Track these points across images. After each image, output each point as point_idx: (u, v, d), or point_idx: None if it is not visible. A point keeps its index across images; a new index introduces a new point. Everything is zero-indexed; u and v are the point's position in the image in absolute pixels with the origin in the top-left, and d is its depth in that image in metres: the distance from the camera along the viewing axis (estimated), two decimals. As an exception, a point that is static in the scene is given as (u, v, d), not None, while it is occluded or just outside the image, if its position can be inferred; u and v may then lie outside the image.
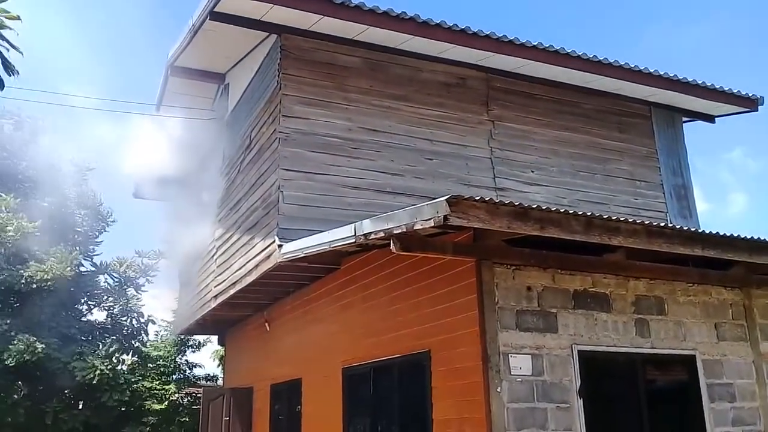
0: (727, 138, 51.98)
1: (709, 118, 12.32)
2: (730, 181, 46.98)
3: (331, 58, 9.58)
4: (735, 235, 6.48)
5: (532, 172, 10.46)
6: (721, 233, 6.41)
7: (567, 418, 6.25)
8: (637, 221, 6.03)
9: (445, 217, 5.16)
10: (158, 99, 12.62)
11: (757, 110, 11.88)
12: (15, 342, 13.66)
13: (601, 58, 10.39)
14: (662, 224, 6.24)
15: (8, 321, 14.25)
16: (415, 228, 5.51)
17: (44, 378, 14.46)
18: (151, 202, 16.15)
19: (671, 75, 10.98)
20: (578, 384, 6.40)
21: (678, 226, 6.49)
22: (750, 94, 11.68)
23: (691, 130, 12.46)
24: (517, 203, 5.52)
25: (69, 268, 14.90)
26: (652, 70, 10.79)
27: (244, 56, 11.01)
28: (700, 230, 6.57)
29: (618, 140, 11.32)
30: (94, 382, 14.17)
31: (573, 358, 6.45)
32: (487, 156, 10.23)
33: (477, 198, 5.32)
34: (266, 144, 9.55)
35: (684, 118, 12.17)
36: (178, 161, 12.59)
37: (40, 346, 13.62)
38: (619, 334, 6.81)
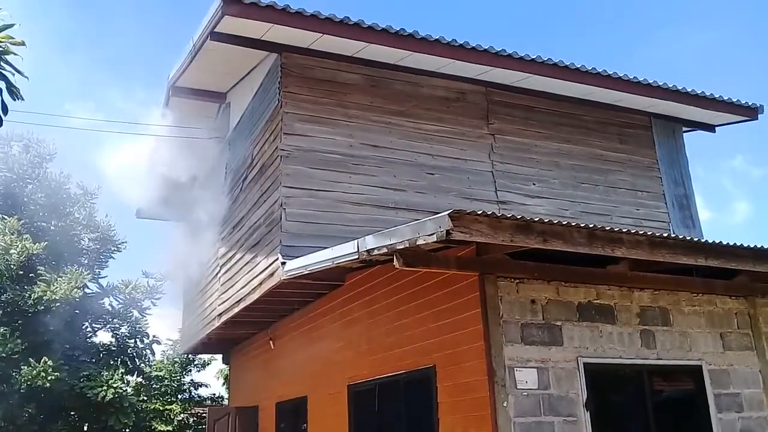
0: (728, 145, 52.05)
1: (710, 128, 12.33)
2: (733, 189, 46.97)
3: (331, 76, 9.64)
4: (738, 244, 6.46)
5: (534, 184, 10.47)
6: (725, 242, 6.40)
7: (574, 431, 6.22)
8: (640, 232, 6.03)
9: (448, 232, 5.16)
10: (160, 118, 12.68)
11: (757, 119, 11.89)
12: (26, 366, 13.62)
13: (600, 70, 10.43)
14: (665, 234, 6.23)
15: (17, 342, 14.23)
16: (417, 243, 5.51)
17: (50, 400, 14.42)
18: (154, 222, 16.19)
19: (671, 86, 11.01)
20: (585, 397, 6.37)
21: (681, 236, 6.49)
22: (750, 103, 11.69)
23: (692, 138, 12.50)
24: (519, 216, 5.53)
25: (77, 290, 14.91)
26: (651, 81, 10.82)
27: (245, 75, 11.07)
28: (703, 240, 6.56)
29: (619, 151, 11.33)
30: (107, 400, 14.10)
31: (579, 370, 6.43)
32: (489, 170, 10.24)
33: (479, 212, 5.33)
34: (268, 162, 9.58)
35: (684, 128, 12.19)
36: (181, 181, 12.64)
37: (51, 372, 13.55)
38: (625, 345, 6.79)
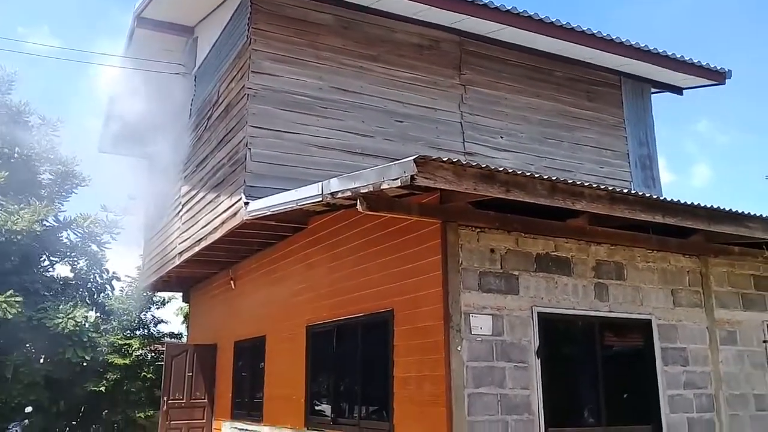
0: (694, 109, 52.75)
1: (677, 90, 12.45)
2: (696, 153, 47.83)
3: (303, 15, 9.44)
4: (695, 203, 6.61)
5: (502, 137, 10.51)
6: (682, 201, 6.54)
7: (524, 377, 6.40)
8: (601, 187, 6.12)
9: (412, 177, 5.17)
10: (124, 50, 12.33)
11: (724, 83, 12.03)
12: None
13: (574, 26, 10.39)
14: (625, 191, 6.33)
15: None
16: (382, 188, 5.52)
17: (5, 331, 14.27)
18: (115, 157, 15.92)
19: (642, 45, 11.04)
20: (536, 344, 6.54)
21: (640, 193, 6.60)
22: (719, 68, 11.80)
23: (659, 100, 12.61)
24: (483, 165, 5.55)
25: (37, 224, 14.62)
26: (623, 40, 10.84)
27: (214, 9, 10.78)
28: (661, 198, 6.69)
29: (587, 109, 11.41)
30: (66, 332, 13.97)
31: (533, 319, 6.58)
32: (458, 120, 10.23)
33: (444, 159, 5.34)
34: (234, 100, 9.42)
35: (653, 89, 12.29)
36: (144, 115, 12.37)
37: (14, 304, 13.32)
38: (579, 297, 6.95)
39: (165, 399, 12.58)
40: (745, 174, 46.24)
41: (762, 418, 7.84)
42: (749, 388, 7.84)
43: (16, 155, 16.05)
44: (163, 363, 13.27)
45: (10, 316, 13.33)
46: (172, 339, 18.70)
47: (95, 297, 16.95)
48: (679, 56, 11.45)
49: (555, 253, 6.92)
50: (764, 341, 8.11)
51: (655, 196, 6.67)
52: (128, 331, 17.87)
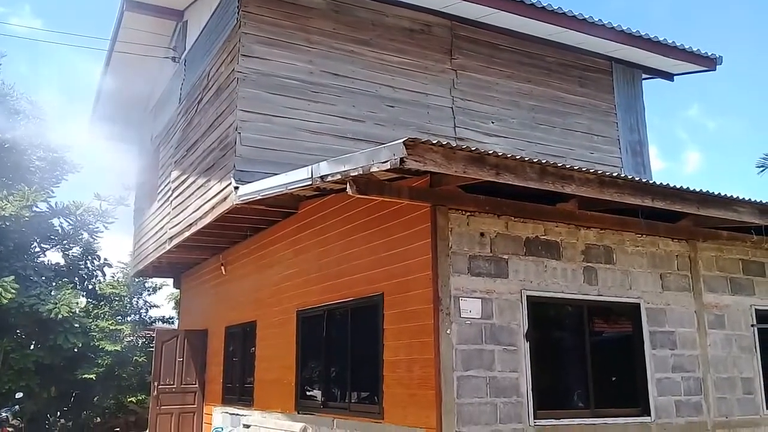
0: (684, 95, 52.87)
1: (668, 76, 12.45)
2: (686, 140, 47.99)
3: (293, -2, 9.37)
4: (684, 187, 6.63)
5: (492, 123, 10.49)
6: (671, 185, 6.56)
7: (513, 359, 6.43)
8: (590, 170, 6.12)
9: (402, 160, 5.16)
10: (113, 34, 12.22)
11: (715, 69, 12.03)
12: None
13: (566, 11, 10.36)
14: (615, 174, 6.34)
15: None
16: (371, 170, 5.51)
17: (-4, 317, 14.24)
18: (105, 142, 15.82)
19: (633, 31, 11.03)
20: (525, 328, 6.56)
21: (629, 176, 6.61)
22: (709, 53, 11.81)
23: (650, 86, 12.62)
24: (473, 148, 5.55)
25: (26, 210, 14.52)
26: (615, 25, 10.81)
27: (204, -8, 10.70)
28: (650, 181, 6.70)
29: (578, 94, 11.39)
30: (59, 318, 13.91)
31: (522, 302, 6.60)
32: (449, 105, 10.21)
33: (434, 141, 5.33)
34: (224, 84, 9.36)
35: (644, 75, 12.28)
36: (133, 100, 12.30)
37: (10, 290, 13.20)
38: (568, 281, 6.97)
39: (156, 384, 12.58)
40: (736, 160, 46.52)
41: (749, 401, 7.91)
42: (737, 372, 7.91)
43: (2, 141, 15.92)
44: (153, 348, 13.26)
45: (5, 301, 13.26)
46: (164, 324, 18.70)
47: (86, 283, 16.90)
48: (669, 42, 11.44)
49: (544, 237, 6.93)
50: (752, 325, 8.17)
51: (644, 180, 6.68)
52: (120, 317, 17.85)
